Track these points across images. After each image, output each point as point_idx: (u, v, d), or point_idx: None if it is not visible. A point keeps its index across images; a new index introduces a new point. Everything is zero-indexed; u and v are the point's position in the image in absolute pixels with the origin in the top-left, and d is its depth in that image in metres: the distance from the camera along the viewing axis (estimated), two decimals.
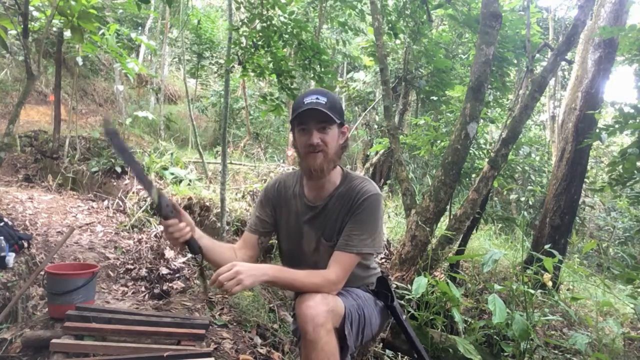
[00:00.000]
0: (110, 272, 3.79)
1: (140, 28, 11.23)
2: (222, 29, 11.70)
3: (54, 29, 5.68)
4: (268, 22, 4.05)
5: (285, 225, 1.71)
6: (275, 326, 3.25)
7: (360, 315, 1.54)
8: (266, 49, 4.04)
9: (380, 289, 1.73)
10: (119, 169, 5.75)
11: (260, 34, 4.05)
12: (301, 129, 1.55)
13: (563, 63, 7.26)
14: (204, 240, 1.53)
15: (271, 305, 3.55)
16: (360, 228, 1.53)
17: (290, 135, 8.71)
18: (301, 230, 1.66)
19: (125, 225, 4.77)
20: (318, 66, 4.26)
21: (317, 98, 1.51)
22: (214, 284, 1.32)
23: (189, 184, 5.59)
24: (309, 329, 1.34)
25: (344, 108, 1.62)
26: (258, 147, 9.70)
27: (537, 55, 5.57)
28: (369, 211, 1.54)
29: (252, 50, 4.06)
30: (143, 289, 3.56)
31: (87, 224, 4.66)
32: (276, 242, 1.86)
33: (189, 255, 1.45)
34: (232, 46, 4.32)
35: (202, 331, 2.41)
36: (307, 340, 1.35)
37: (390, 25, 5.44)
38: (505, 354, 2.60)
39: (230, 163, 6.85)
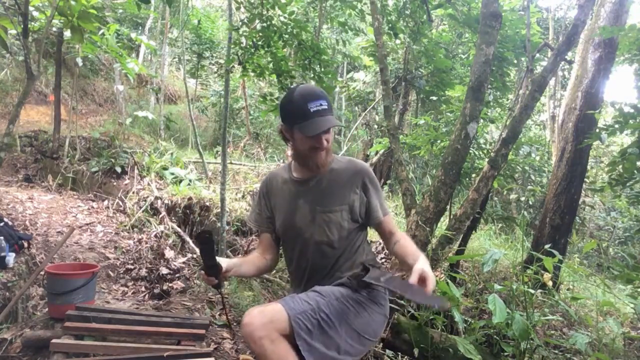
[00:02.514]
0: (110, 272, 3.79)
1: (140, 28, 11.23)
2: (222, 29, 11.69)
3: (54, 29, 5.68)
4: (268, 22, 4.05)
5: (280, 207, 1.77)
6: None
7: (321, 318, 1.46)
8: (266, 49, 4.04)
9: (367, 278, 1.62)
10: (118, 169, 5.75)
11: (260, 34, 4.05)
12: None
13: (563, 63, 7.25)
14: (233, 260, 1.66)
15: None
16: (379, 195, 1.77)
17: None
18: (296, 206, 1.72)
19: (125, 225, 4.77)
20: (318, 66, 4.26)
21: (320, 104, 1.53)
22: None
23: (189, 184, 5.59)
24: (252, 344, 1.37)
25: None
26: (258, 147, 9.69)
27: (537, 55, 5.57)
28: (375, 181, 1.77)
29: (252, 50, 4.06)
30: (143, 289, 3.56)
31: (87, 224, 4.66)
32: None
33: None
34: (232, 46, 4.33)
35: (202, 331, 2.42)
36: (256, 354, 1.38)
37: (390, 25, 5.44)
38: (505, 353, 2.60)
39: (230, 163, 6.85)
